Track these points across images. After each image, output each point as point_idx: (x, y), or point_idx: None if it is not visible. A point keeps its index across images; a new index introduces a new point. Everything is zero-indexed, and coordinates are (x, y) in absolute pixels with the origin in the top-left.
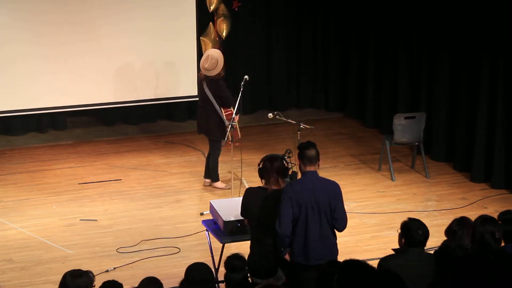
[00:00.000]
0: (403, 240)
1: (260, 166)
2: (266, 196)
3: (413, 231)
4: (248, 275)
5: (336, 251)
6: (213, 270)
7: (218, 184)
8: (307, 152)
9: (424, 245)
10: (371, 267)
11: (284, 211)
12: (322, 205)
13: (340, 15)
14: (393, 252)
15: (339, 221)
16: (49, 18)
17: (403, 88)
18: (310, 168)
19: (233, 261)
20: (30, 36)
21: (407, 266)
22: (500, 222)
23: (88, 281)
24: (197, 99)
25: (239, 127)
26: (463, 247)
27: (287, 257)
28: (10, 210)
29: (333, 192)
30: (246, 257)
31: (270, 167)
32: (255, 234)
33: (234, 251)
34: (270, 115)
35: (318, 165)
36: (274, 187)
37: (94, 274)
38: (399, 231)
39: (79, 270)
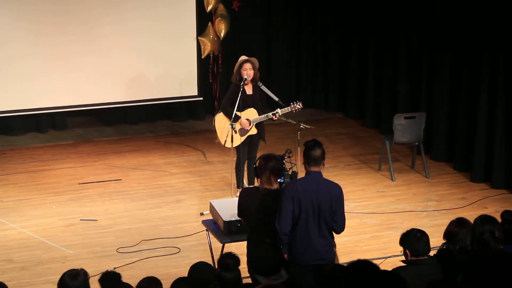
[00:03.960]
0: (407, 252)
1: (256, 165)
2: (264, 195)
3: (410, 236)
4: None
5: (333, 252)
6: None
7: (238, 191)
8: (312, 153)
9: (429, 251)
10: (379, 268)
11: (284, 209)
12: (323, 207)
13: (340, 15)
14: (403, 264)
15: (339, 224)
16: (49, 18)
17: (403, 88)
18: (314, 169)
19: (227, 259)
20: (30, 36)
21: (419, 277)
22: (500, 221)
23: (85, 279)
24: (197, 99)
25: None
26: (465, 248)
27: (285, 256)
28: (10, 210)
29: (336, 195)
30: (242, 256)
31: (264, 166)
32: (254, 233)
33: (234, 251)
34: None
35: (323, 165)
36: (266, 186)
37: (94, 274)
38: (402, 251)
39: (75, 269)
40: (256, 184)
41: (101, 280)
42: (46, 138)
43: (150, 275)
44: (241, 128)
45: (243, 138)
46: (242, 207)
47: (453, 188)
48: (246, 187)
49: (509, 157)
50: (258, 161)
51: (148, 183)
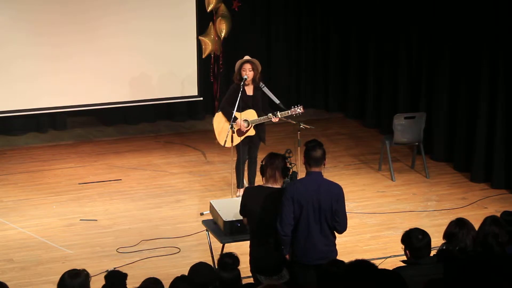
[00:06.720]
0: (407, 252)
1: (262, 163)
2: (267, 195)
3: (413, 239)
4: (243, 273)
5: (336, 251)
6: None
7: (238, 191)
8: (313, 153)
9: (430, 252)
10: (377, 268)
11: (285, 210)
12: (324, 207)
13: (340, 14)
14: (403, 264)
15: (340, 224)
16: (49, 18)
17: (403, 88)
18: (315, 169)
19: (226, 259)
20: (30, 36)
21: (419, 277)
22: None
23: (86, 280)
24: (197, 99)
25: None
26: (466, 249)
27: (286, 256)
28: (10, 210)
29: (336, 195)
30: (242, 256)
31: (269, 162)
32: (256, 233)
33: (234, 251)
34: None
35: (324, 165)
36: (270, 183)
37: (94, 274)
38: (403, 247)
39: (76, 269)
40: (261, 182)
41: (107, 277)
42: (46, 138)
43: (150, 275)
44: (238, 129)
45: (241, 138)
46: (245, 206)
47: (453, 188)
48: (250, 186)
49: (509, 157)
50: (264, 160)
51: (148, 183)
